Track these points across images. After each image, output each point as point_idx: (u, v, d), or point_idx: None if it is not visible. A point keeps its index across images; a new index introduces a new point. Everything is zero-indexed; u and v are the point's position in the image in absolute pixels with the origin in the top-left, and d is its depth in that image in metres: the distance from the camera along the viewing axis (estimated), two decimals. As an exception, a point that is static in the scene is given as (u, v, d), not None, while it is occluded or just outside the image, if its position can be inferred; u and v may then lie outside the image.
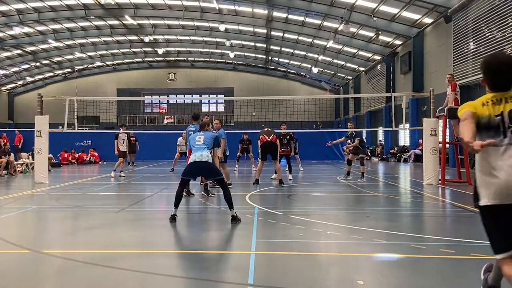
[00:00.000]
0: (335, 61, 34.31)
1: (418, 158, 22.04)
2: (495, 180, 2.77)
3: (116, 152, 15.78)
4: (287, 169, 14.48)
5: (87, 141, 27.64)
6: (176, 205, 6.83)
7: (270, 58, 39.37)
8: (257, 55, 39.59)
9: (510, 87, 2.92)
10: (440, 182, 12.23)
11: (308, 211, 8.12)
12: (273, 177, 13.95)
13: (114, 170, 15.58)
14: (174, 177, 14.92)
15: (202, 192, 10.15)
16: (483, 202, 2.83)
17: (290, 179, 13.63)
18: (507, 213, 2.78)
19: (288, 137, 14.47)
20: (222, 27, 29.85)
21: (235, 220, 6.66)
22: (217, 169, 7.10)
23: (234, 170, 17.51)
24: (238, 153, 18.51)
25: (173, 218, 6.76)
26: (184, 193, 7.73)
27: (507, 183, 2.73)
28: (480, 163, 2.88)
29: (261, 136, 12.57)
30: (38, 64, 40.24)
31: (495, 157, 2.80)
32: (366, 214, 7.70)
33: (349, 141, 13.99)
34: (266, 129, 12.78)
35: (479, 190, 2.89)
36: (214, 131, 9.83)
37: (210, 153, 7.00)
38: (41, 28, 31.37)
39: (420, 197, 10.08)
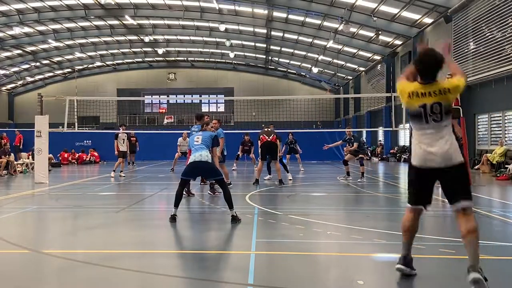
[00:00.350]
0: (335, 61, 34.29)
1: (418, 158, 21.99)
2: (419, 150, 3.86)
3: (116, 152, 15.78)
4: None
5: (87, 141, 27.63)
6: (176, 205, 6.84)
7: (270, 58, 39.36)
8: (257, 55, 39.58)
9: (436, 78, 3.83)
10: (440, 182, 12.21)
11: (308, 211, 8.12)
12: (266, 178, 13.89)
13: (114, 170, 15.59)
14: (174, 177, 14.92)
15: (209, 191, 10.17)
16: (413, 162, 3.95)
17: (290, 179, 13.64)
18: (423, 174, 3.87)
19: None
20: (222, 27, 29.84)
21: (235, 220, 6.66)
22: (217, 169, 7.08)
23: (233, 170, 17.54)
24: (239, 153, 18.49)
25: (173, 218, 6.76)
26: (184, 193, 7.75)
27: (424, 154, 3.82)
28: (414, 138, 3.96)
29: (261, 136, 12.59)
30: (38, 64, 40.23)
31: (421, 135, 3.86)
32: (366, 214, 7.70)
33: (348, 145, 14.01)
34: (266, 129, 12.80)
35: (412, 155, 3.96)
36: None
37: (210, 152, 7.00)
38: (41, 28, 31.36)
39: (420, 197, 10.08)
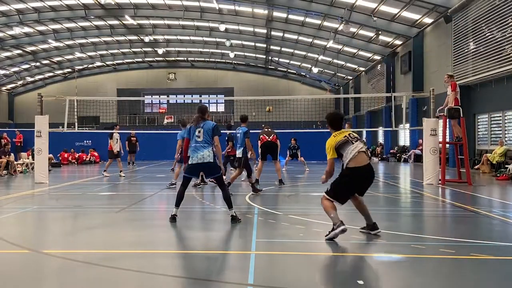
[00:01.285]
0: (335, 61, 34.29)
1: (418, 158, 22.04)
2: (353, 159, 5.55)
3: (115, 151, 15.87)
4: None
5: (87, 141, 27.64)
6: (177, 204, 6.80)
7: (270, 58, 39.34)
8: (257, 55, 39.56)
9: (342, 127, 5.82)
10: (440, 182, 12.23)
11: (308, 211, 8.12)
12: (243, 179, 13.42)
13: (105, 170, 15.78)
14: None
15: (252, 193, 10.10)
16: (351, 166, 5.55)
17: (243, 180, 13.08)
18: (359, 174, 5.60)
19: None
20: (222, 27, 29.83)
21: (235, 220, 6.64)
22: (218, 166, 6.78)
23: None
24: None
25: (173, 218, 6.73)
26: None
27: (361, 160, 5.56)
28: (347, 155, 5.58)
29: (261, 136, 12.56)
30: (38, 64, 40.20)
31: (350, 152, 5.54)
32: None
33: None
34: (266, 129, 12.77)
35: (348, 163, 5.59)
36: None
37: (212, 149, 6.68)
38: (41, 28, 31.34)
39: (420, 197, 10.08)
